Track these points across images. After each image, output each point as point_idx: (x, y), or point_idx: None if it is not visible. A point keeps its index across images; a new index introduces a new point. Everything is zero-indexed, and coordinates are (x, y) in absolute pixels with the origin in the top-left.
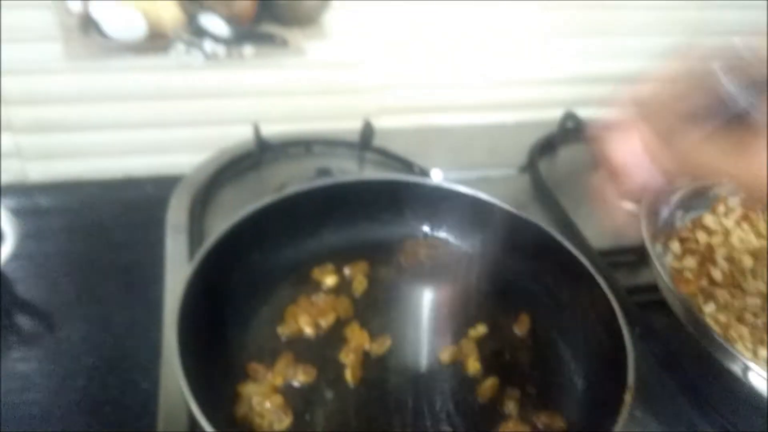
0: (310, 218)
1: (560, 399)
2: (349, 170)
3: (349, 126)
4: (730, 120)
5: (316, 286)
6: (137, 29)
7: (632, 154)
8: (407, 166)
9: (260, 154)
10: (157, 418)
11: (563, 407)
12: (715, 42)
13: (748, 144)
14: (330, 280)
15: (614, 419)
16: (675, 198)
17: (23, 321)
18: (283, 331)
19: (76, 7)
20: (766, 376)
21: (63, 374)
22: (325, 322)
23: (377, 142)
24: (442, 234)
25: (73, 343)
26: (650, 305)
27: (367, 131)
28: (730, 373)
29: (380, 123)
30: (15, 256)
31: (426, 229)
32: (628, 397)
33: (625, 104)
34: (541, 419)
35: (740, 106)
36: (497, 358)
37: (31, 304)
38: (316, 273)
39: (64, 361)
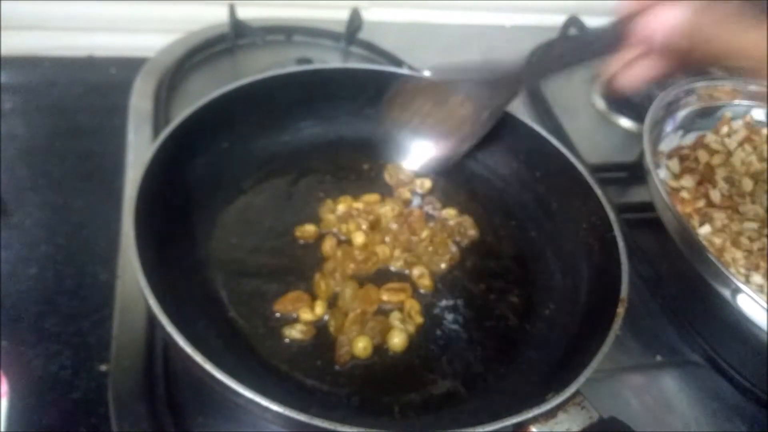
0: (287, 108)
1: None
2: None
3: (334, 16)
4: None
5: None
6: None
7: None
8: (396, 64)
9: (235, 38)
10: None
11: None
12: None
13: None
14: None
15: (606, 331)
16: (680, 115)
17: None
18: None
19: None
20: (755, 299)
21: (15, 261)
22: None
23: (364, 35)
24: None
25: (27, 230)
26: (637, 224)
27: (355, 21)
28: (718, 297)
29: (369, 15)
30: None
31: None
32: (621, 310)
33: None
34: None
35: None
36: (483, 264)
37: None
38: None
39: (17, 247)
